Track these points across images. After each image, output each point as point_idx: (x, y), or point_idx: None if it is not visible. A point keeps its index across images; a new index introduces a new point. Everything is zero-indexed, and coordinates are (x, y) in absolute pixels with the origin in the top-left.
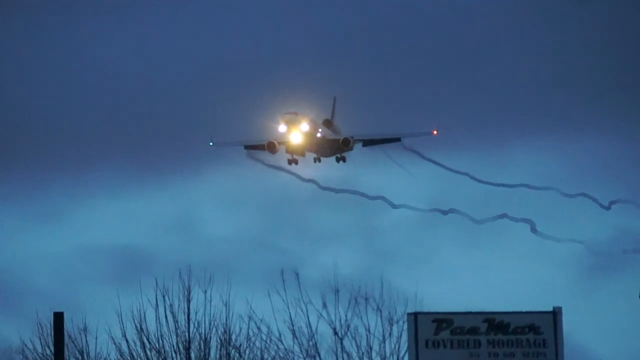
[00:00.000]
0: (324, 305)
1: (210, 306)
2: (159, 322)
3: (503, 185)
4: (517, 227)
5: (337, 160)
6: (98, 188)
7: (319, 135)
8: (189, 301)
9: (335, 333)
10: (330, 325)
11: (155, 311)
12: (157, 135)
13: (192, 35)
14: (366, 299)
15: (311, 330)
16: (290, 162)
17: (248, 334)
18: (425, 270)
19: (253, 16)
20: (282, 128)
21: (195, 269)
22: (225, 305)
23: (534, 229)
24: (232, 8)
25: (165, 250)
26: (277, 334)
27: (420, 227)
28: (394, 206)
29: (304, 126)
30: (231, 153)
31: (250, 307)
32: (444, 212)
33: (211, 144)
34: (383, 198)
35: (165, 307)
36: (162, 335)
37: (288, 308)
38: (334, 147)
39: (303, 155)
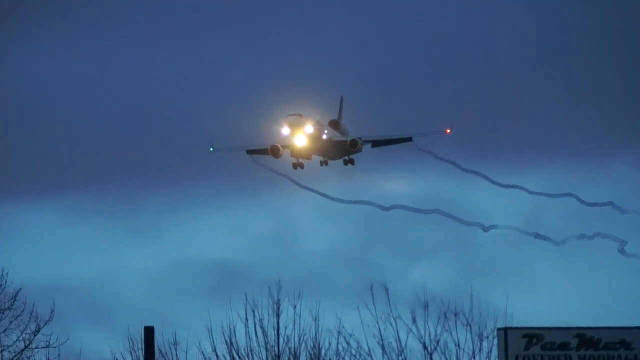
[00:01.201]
0: (414, 321)
1: (299, 321)
2: (249, 337)
3: (595, 205)
4: (605, 244)
5: (345, 163)
6: (191, 203)
7: (325, 137)
8: (278, 316)
9: (425, 348)
10: (420, 340)
11: (245, 326)
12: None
13: (192, 36)
14: (456, 314)
15: (401, 346)
16: (295, 166)
17: (337, 349)
18: (516, 285)
19: (255, 14)
20: (285, 131)
21: (285, 284)
22: (315, 320)
23: (622, 247)
24: (234, 8)
25: (255, 265)
26: (366, 349)
27: (510, 243)
28: (485, 228)
29: (309, 128)
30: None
31: (340, 322)
32: (537, 237)
33: (211, 149)
34: (479, 224)
35: (255, 322)
36: (252, 350)
37: (378, 323)
38: (342, 150)
39: (309, 158)
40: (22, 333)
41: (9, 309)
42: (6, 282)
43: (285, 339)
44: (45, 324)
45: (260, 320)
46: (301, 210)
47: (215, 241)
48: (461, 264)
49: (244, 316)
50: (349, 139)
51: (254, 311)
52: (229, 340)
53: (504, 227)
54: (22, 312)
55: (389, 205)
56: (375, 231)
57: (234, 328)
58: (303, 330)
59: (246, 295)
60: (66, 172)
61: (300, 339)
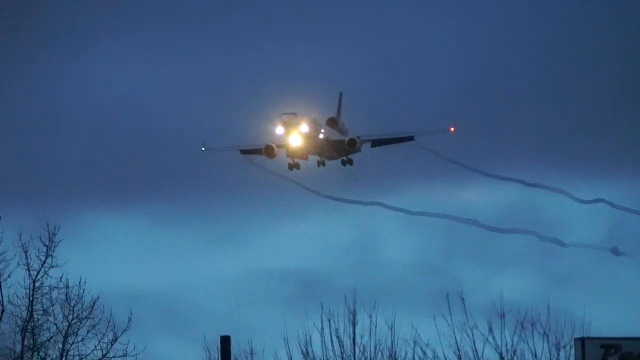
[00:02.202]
0: (490, 330)
1: (375, 330)
2: (325, 347)
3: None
4: None
5: (344, 163)
6: (271, 212)
7: (321, 136)
8: (354, 325)
9: (502, 358)
10: (496, 350)
11: (321, 335)
12: None
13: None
14: (533, 324)
15: (477, 355)
16: (291, 167)
17: (414, 358)
18: (593, 295)
19: (252, 11)
20: (279, 130)
21: (361, 293)
22: (391, 330)
23: None
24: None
25: (332, 274)
26: (442, 358)
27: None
28: (563, 245)
29: (304, 127)
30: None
31: (416, 332)
32: (617, 254)
33: (203, 149)
34: (559, 242)
35: (331, 331)
36: None
37: (454, 333)
38: (340, 149)
39: (306, 159)
40: (99, 342)
41: (86, 318)
42: (84, 291)
43: (361, 349)
44: (123, 332)
45: (336, 329)
46: (377, 220)
47: (293, 250)
48: (538, 275)
49: (320, 325)
50: (347, 139)
51: (330, 320)
52: (304, 350)
53: (582, 240)
54: (99, 321)
55: (464, 218)
56: (451, 242)
57: (310, 337)
58: (379, 339)
59: (322, 305)
60: (147, 182)
61: (376, 349)
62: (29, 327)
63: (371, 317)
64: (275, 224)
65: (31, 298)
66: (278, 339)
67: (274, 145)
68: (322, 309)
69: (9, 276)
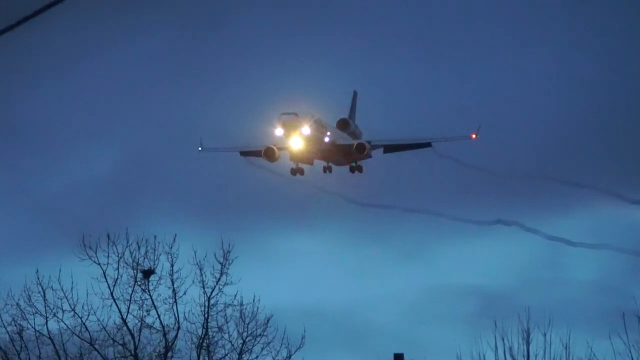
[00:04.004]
0: None
1: (549, 349)
2: None
3: None
4: None
5: (352, 170)
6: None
7: (327, 139)
8: (528, 344)
9: None
10: None
11: (495, 354)
12: None
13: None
14: None
15: None
16: (294, 172)
17: None
18: None
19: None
20: (278, 132)
21: (534, 311)
22: (565, 348)
23: None
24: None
25: (505, 291)
26: None
27: None
28: None
29: (306, 129)
30: None
31: (591, 351)
32: None
33: (200, 149)
34: None
35: (504, 350)
36: None
37: (630, 352)
38: (347, 154)
39: (311, 163)
40: (273, 359)
41: (260, 335)
42: (258, 308)
43: None
44: (296, 350)
45: (510, 348)
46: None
47: (468, 267)
48: None
49: (493, 344)
50: (355, 143)
51: (503, 339)
52: None
53: None
54: (273, 338)
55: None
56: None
57: (484, 355)
58: (553, 358)
59: (495, 322)
60: (320, 201)
61: None
62: (204, 344)
63: (545, 335)
64: (449, 240)
65: (206, 315)
66: (451, 356)
67: (274, 147)
68: (496, 326)
69: (184, 293)
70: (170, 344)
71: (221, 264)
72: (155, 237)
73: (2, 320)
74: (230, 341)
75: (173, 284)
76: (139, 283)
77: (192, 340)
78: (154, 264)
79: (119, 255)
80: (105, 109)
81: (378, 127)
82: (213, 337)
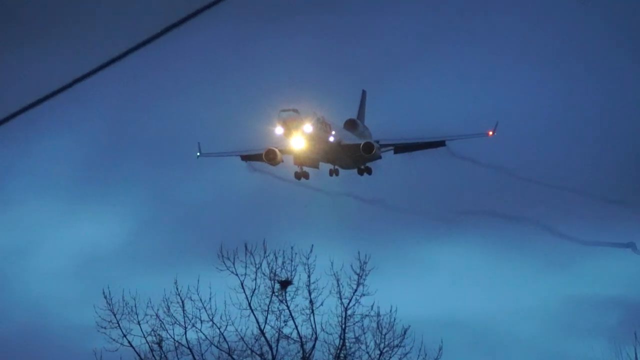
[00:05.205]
0: None
1: None
2: None
3: None
4: None
5: (360, 172)
6: None
7: (331, 139)
8: None
9: None
10: None
11: None
12: None
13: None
14: None
15: None
16: (298, 175)
17: None
18: None
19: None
20: (278, 130)
21: None
22: None
23: None
24: None
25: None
26: None
27: None
28: None
29: (307, 127)
30: None
31: None
32: None
33: (198, 154)
34: None
35: None
36: None
37: None
38: (354, 155)
39: (316, 166)
40: None
41: (397, 346)
42: (395, 319)
43: None
44: None
45: None
46: None
47: (610, 277)
48: None
49: (633, 355)
50: (362, 142)
51: None
52: None
53: None
54: (410, 349)
55: None
56: None
57: None
58: None
59: (635, 334)
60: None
61: None
62: (341, 355)
63: None
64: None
65: (343, 326)
66: None
67: (276, 150)
68: (635, 338)
69: (321, 304)
70: (307, 354)
71: (358, 274)
72: (292, 247)
73: (142, 331)
74: (368, 352)
75: (310, 295)
76: (276, 294)
77: (329, 350)
78: (291, 275)
79: (257, 266)
80: None
81: (389, 128)
82: (350, 347)
